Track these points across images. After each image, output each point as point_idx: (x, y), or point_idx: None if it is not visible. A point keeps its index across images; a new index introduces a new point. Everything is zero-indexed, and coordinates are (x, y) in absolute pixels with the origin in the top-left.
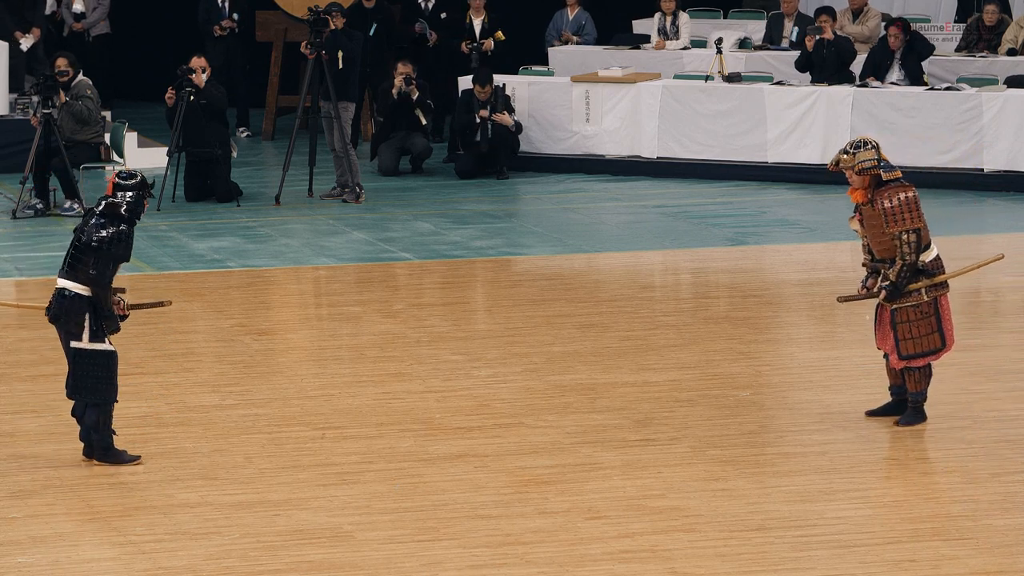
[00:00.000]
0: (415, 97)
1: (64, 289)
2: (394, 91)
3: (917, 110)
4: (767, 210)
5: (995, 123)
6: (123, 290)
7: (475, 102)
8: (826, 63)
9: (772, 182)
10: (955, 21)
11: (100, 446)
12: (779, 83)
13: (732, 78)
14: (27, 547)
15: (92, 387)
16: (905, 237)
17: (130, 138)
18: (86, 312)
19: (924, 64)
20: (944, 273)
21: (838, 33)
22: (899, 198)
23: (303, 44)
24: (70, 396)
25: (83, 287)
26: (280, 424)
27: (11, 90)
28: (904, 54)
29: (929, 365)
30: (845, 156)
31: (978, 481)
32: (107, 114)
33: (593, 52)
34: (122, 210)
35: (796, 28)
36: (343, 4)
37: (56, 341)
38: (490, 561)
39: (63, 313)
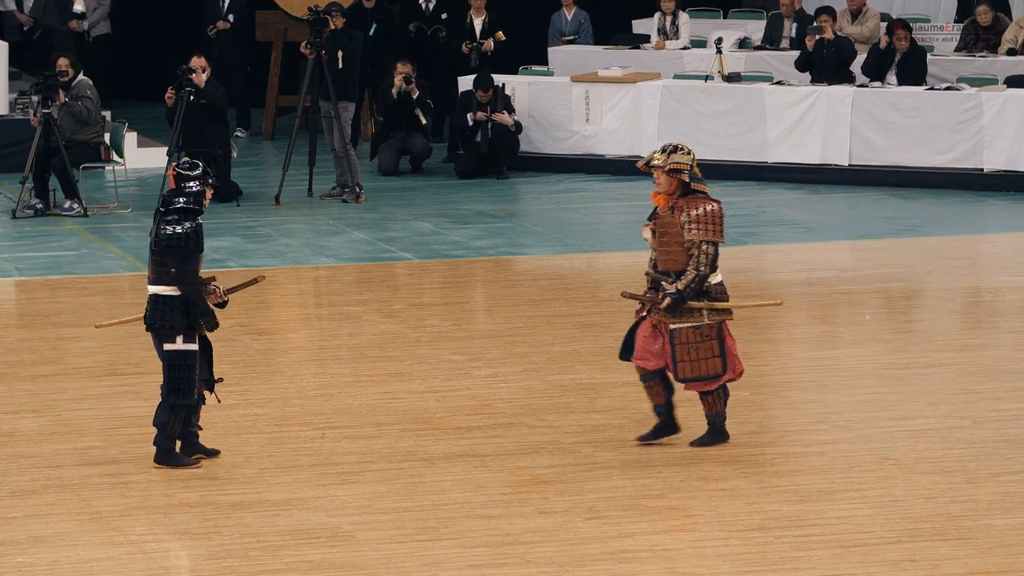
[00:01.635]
0: (415, 96)
1: (155, 295)
2: (393, 90)
3: (917, 110)
4: (766, 210)
5: (995, 123)
6: (214, 278)
7: (473, 103)
8: (826, 63)
9: (772, 182)
10: (955, 21)
11: (161, 448)
12: (779, 83)
13: (732, 78)
14: (27, 547)
15: (182, 388)
16: (706, 247)
17: (130, 138)
18: (178, 314)
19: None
20: (726, 302)
21: (838, 33)
22: (706, 208)
23: (303, 44)
24: (168, 394)
25: (172, 289)
26: (280, 424)
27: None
28: (904, 56)
29: (724, 386)
30: (659, 155)
31: (978, 481)
32: (107, 114)
33: (593, 52)
34: (188, 203)
35: (796, 25)
36: (343, 4)
37: (58, 341)
38: (490, 561)
39: (156, 318)
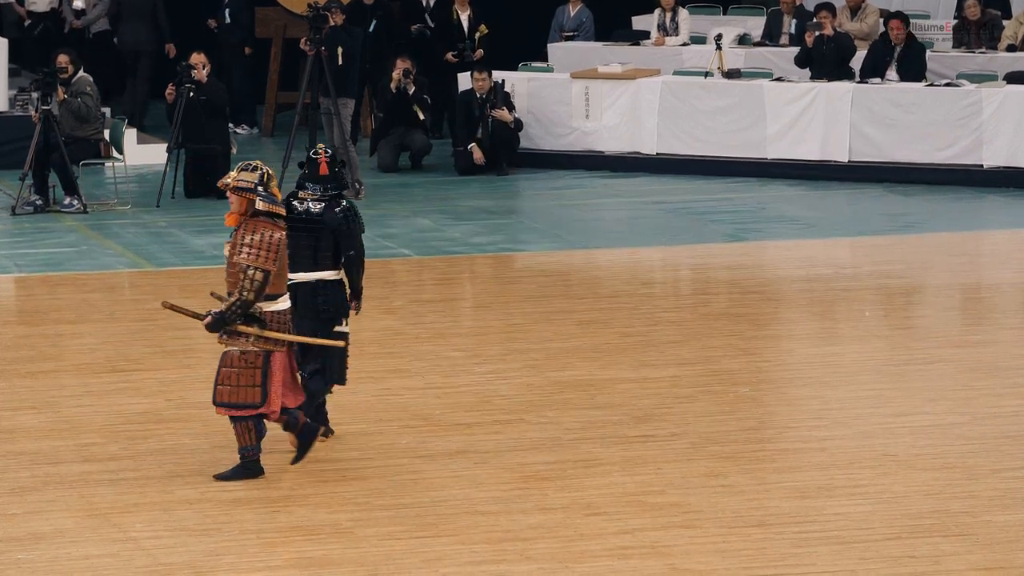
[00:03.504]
0: (411, 92)
1: (319, 280)
2: (392, 85)
3: (917, 106)
4: (766, 206)
5: (995, 119)
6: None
7: (475, 102)
8: (826, 59)
9: (771, 178)
10: (955, 18)
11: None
12: (779, 79)
13: (731, 74)
14: (27, 544)
15: (345, 370)
16: (251, 272)
17: (129, 134)
18: (342, 295)
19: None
20: (283, 332)
21: (837, 29)
22: (263, 234)
23: (303, 40)
24: (340, 383)
25: (334, 272)
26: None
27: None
28: (903, 51)
29: (259, 419)
30: (233, 173)
31: (978, 477)
32: (107, 110)
33: (593, 48)
34: (338, 186)
35: (795, 22)
36: (343, 1)
37: (58, 337)
38: (490, 557)
39: (331, 303)
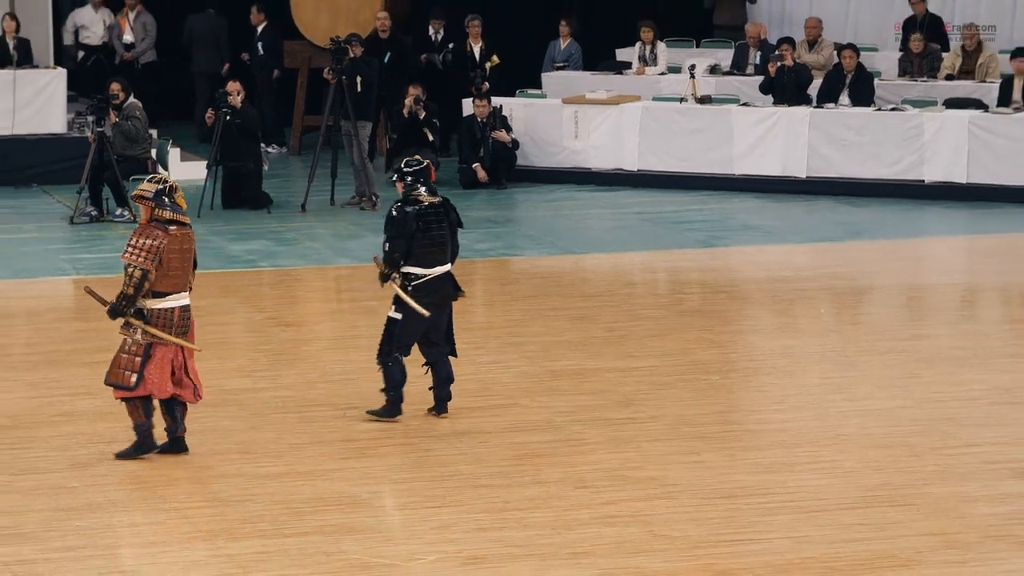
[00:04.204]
0: (422, 116)
1: (451, 272)
2: (404, 110)
3: (866, 128)
4: (733, 216)
5: (935, 140)
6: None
7: (476, 125)
8: (786, 87)
9: (738, 191)
10: (900, 50)
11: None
12: (745, 104)
13: (703, 100)
14: (84, 513)
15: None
16: (131, 271)
17: (174, 153)
18: None
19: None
20: (165, 329)
21: (797, 60)
22: (148, 240)
23: (325, 70)
24: (453, 354)
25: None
26: (306, 405)
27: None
28: (854, 79)
29: (146, 400)
30: (141, 184)
31: (920, 454)
32: (154, 132)
33: (581, 77)
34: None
35: (760, 54)
36: (361, 35)
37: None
38: (491, 525)
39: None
